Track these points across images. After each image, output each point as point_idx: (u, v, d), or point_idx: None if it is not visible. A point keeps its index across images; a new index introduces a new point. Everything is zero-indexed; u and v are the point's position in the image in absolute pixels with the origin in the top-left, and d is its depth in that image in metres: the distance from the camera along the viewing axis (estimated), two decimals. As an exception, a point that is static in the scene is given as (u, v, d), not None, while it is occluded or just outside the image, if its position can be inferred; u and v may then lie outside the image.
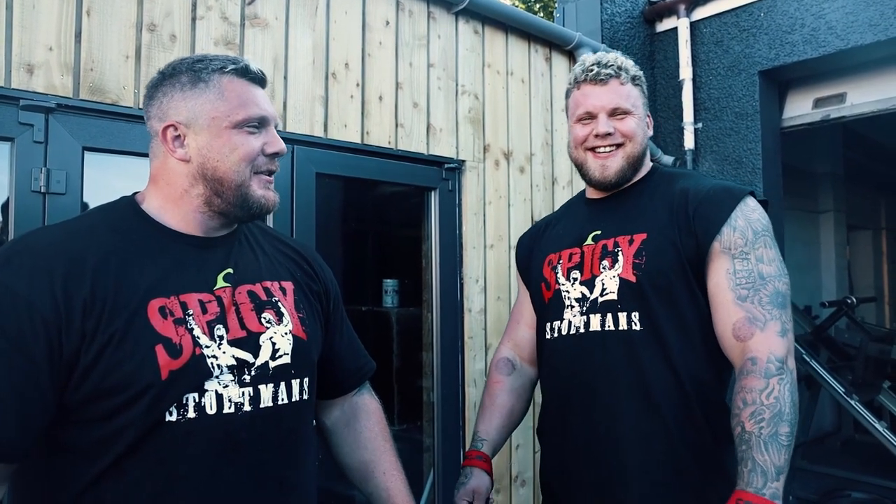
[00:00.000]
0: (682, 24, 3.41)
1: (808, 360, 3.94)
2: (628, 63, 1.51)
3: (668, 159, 3.47)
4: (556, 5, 3.63)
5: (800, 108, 3.44)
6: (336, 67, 2.19)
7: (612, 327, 1.42)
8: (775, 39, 3.13)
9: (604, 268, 1.46)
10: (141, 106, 1.73)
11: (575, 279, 1.50)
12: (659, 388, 1.37)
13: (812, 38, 3.00)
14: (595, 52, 3.06)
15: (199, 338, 1.02)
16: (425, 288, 2.56)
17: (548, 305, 1.57)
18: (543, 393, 1.64)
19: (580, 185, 3.14)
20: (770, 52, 3.16)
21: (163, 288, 1.03)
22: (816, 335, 4.39)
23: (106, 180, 1.70)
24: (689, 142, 3.41)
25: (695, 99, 3.43)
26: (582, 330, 1.46)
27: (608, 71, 1.47)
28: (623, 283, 1.42)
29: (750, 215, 1.38)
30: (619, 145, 1.48)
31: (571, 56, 3.05)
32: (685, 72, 3.41)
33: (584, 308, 1.47)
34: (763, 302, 1.31)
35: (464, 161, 2.56)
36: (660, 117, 3.58)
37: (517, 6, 9.86)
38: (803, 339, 4.22)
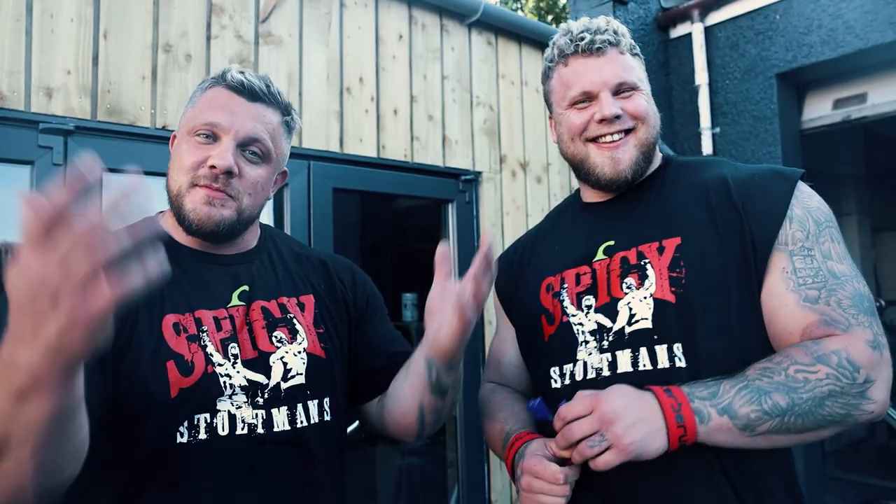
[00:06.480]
0: (696, 30, 3.39)
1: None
2: (624, 28, 1.17)
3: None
4: (568, 15, 3.62)
5: (819, 110, 3.39)
6: (350, 82, 2.20)
7: (647, 366, 1.05)
8: (792, 41, 3.09)
9: (628, 287, 1.10)
10: (157, 126, 1.74)
11: (589, 307, 1.15)
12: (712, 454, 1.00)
13: (830, 38, 2.96)
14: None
15: (212, 355, 1.00)
16: (444, 301, 2.54)
17: (549, 345, 1.19)
18: None
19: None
20: (787, 54, 3.12)
21: (178, 304, 1.02)
22: (844, 340, 4.29)
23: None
24: (706, 147, 3.37)
25: (711, 104, 3.39)
26: (606, 373, 1.09)
27: (604, 37, 1.13)
28: (659, 305, 1.07)
29: (807, 202, 1.07)
30: (629, 130, 1.13)
31: (585, 64, 3.04)
32: (701, 77, 3.38)
33: (607, 342, 1.10)
34: (844, 305, 0.98)
35: (480, 172, 2.55)
36: (676, 123, 3.54)
37: (530, 17, 9.87)
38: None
